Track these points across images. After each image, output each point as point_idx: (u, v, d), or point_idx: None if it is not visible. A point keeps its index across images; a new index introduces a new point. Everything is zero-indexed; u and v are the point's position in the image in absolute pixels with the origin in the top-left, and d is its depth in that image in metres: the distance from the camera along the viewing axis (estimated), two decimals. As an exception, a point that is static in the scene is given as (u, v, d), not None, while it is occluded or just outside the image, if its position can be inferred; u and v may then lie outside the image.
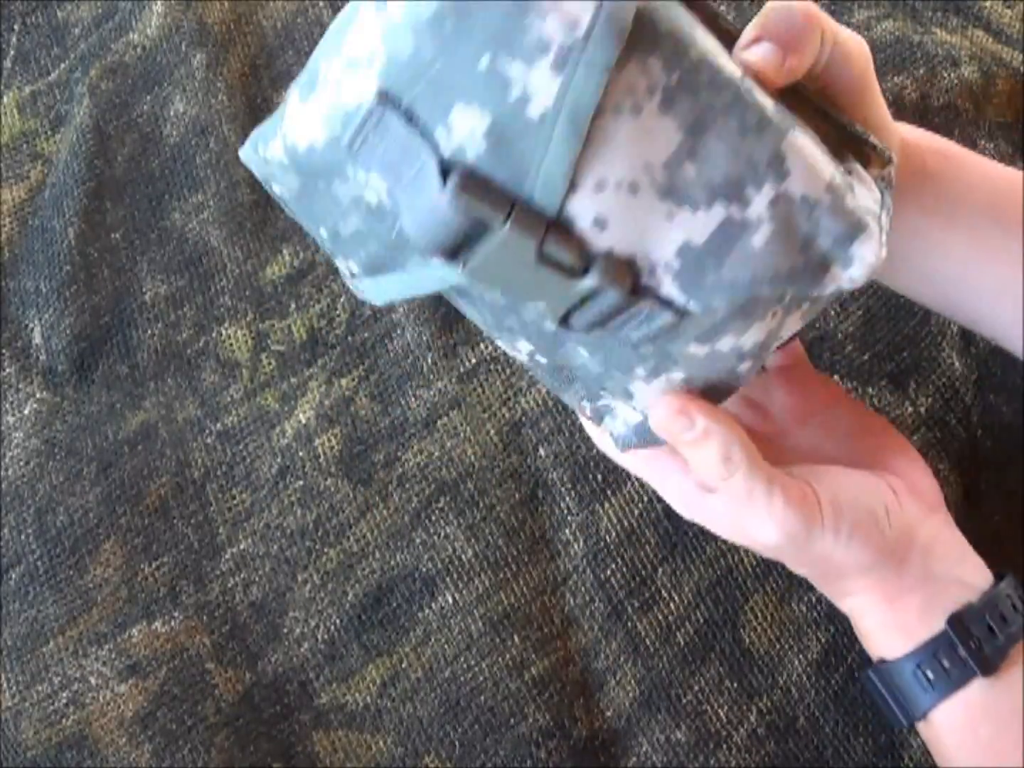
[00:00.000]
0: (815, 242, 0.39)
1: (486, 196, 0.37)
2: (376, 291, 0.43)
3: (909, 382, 0.63)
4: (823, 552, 0.46)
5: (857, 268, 0.39)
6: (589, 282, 0.38)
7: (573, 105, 0.35)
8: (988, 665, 0.47)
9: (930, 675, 0.47)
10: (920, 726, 0.49)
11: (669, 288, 0.39)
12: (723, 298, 0.39)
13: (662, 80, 0.36)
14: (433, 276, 0.40)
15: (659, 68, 0.36)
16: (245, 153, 0.43)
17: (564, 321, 0.40)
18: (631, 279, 0.38)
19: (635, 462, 0.48)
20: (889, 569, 0.47)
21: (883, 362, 0.63)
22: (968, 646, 0.47)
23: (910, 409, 0.62)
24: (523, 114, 0.36)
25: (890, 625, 0.48)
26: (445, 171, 0.37)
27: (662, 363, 0.42)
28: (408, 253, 0.40)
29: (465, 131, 0.36)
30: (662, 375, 0.42)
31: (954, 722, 0.48)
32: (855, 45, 0.43)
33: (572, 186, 0.37)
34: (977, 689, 0.47)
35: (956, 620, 0.48)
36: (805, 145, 0.38)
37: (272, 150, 0.41)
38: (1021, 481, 0.62)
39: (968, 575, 0.50)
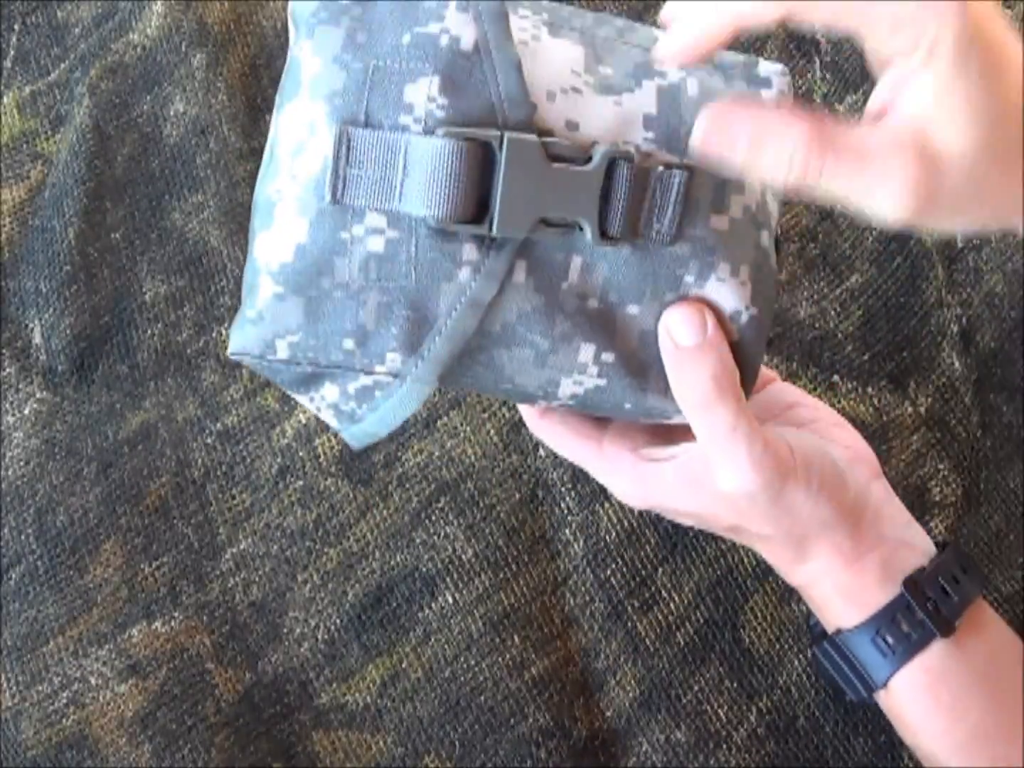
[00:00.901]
0: (732, 78, 0.45)
1: (475, 125, 0.39)
2: (409, 397, 0.43)
3: (909, 382, 0.63)
4: (792, 505, 0.46)
5: (776, 80, 0.45)
6: (599, 155, 0.40)
7: (492, 35, 0.40)
8: (946, 626, 0.48)
9: (889, 640, 0.48)
10: (880, 695, 0.50)
11: (659, 155, 0.42)
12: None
13: (538, 18, 0.43)
14: (466, 304, 0.41)
15: (530, 13, 0.43)
16: (235, 352, 0.43)
17: (604, 236, 0.41)
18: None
19: (580, 452, 0.49)
20: (848, 529, 0.48)
21: (883, 362, 0.63)
22: (925, 608, 0.48)
23: (910, 409, 0.62)
24: (459, 50, 0.40)
25: (847, 590, 0.49)
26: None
27: (702, 258, 0.43)
28: (436, 284, 0.41)
29: (423, 99, 0.39)
30: (710, 276, 0.43)
31: (915, 688, 0.48)
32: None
33: (531, 104, 0.40)
34: (936, 652, 0.48)
35: (911, 583, 0.48)
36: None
37: (259, 302, 0.41)
38: (1021, 481, 0.62)
39: (915, 539, 0.50)
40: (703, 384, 0.43)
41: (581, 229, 0.41)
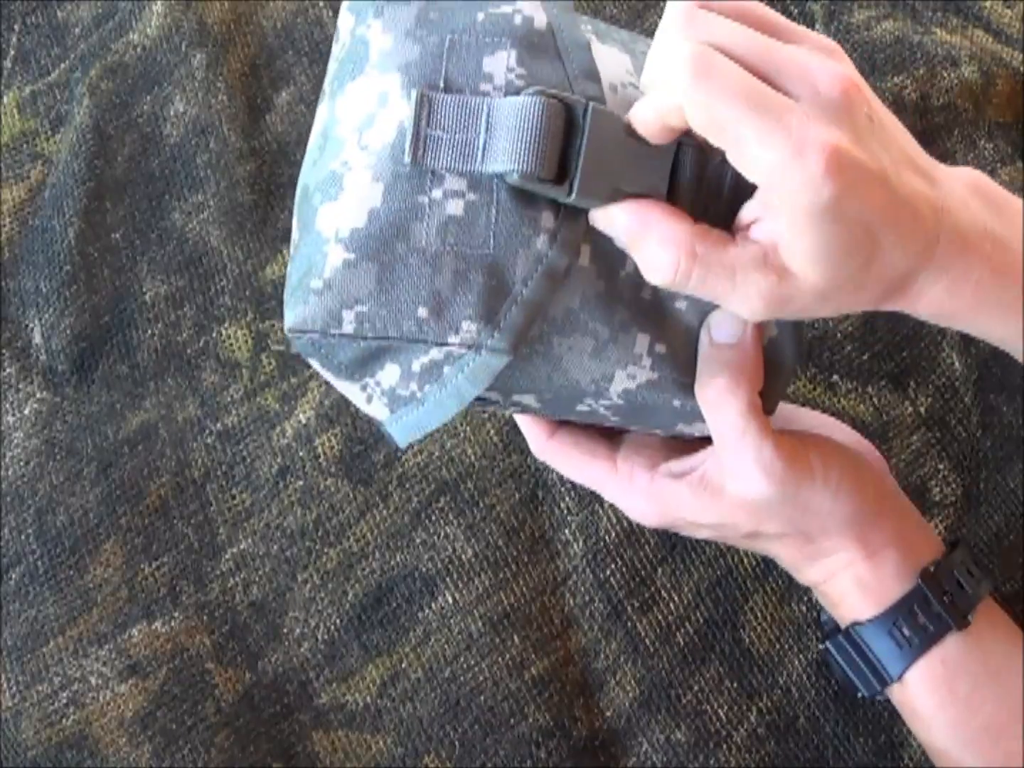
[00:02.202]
0: None
1: (558, 93, 0.40)
2: (479, 372, 0.42)
3: (909, 382, 0.63)
4: (810, 505, 0.47)
5: None
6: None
7: (562, 19, 0.42)
8: (961, 619, 0.48)
9: (906, 632, 0.48)
10: (893, 690, 0.50)
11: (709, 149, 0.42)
12: None
13: (587, 28, 0.44)
14: (540, 269, 0.41)
15: (586, 19, 0.44)
16: (295, 328, 0.41)
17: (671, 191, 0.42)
18: None
19: (593, 474, 0.49)
20: (868, 522, 0.48)
21: (883, 362, 0.63)
22: (942, 601, 0.48)
23: (910, 409, 0.62)
24: (533, 28, 0.41)
25: (866, 583, 0.49)
26: None
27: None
28: (514, 251, 0.41)
29: (502, 69, 0.40)
30: None
31: (931, 680, 0.49)
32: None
33: (600, 84, 0.41)
34: (952, 645, 0.48)
35: (928, 575, 0.49)
36: None
37: (327, 271, 0.40)
38: (1021, 481, 0.62)
39: (927, 534, 0.51)
40: (722, 382, 0.44)
41: None
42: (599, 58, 0.42)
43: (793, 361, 0.46)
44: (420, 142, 0.39)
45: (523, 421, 0.51)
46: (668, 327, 0.44)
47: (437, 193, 0.40)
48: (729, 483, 0.46)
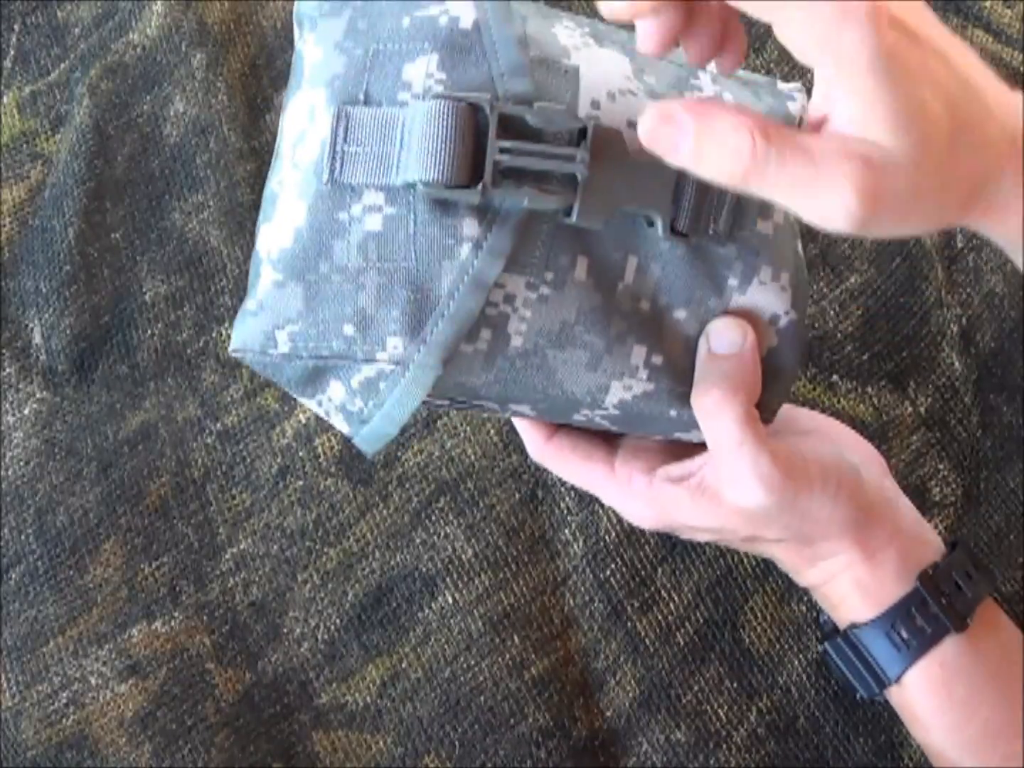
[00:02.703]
0: (759, 93, 0.45)
1: (465, 96, 0.40)
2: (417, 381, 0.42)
3: (909, 382, 0.63)
4: (808, 511, 0.46)
5: (799, 96, 0.46)
6: None
7: (493, 14, 0.41)
8: (959, 621, 0.48)
9: (904, 634, 0.48)
10: (891, 691, 0.50)
11: None
12: None
13: (583, 31, 0.43)
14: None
15: (573, 25, 0.43)
16: (237, 349, 0.42)
17: (673, 231, 0.41)
18: None
19: (591, 477, 0.49)
20: (867, 525, 0.48)
21: (883, 362, 0.63)
22: (939, 603, 0.48)
23: (910, 409, 0.62)
24: (458, 29, 0.40)
25: (865, 585, 0.49)
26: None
27: (747, 260, 0.43)
28: (436, 262, 0.40)
29: (421, 76, 0.40)
30: (752, 279, 0.43)
31: (929, 682, 0.49)
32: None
33: (595, 102, 0.40)
34: (950, 647, 0.48)
35: (926, 577, 0.49)
36: None
37: (259, 292, 0.41)
38: (1021, 481, 0.62)
39: (927, 535, 0.51)
40: (719, 393, 0.43)
41: (651, 224, 0.41)
42: (595, 66, 0.41)
43: (793, 371, 0.46)
44: (337, 159, 0.39)
45: (521, 424, 0.51)
46: (666, 338, 0.44)
47: (357, 209, 0.40)
48: (726, 491, 0.45)
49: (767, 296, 0.44)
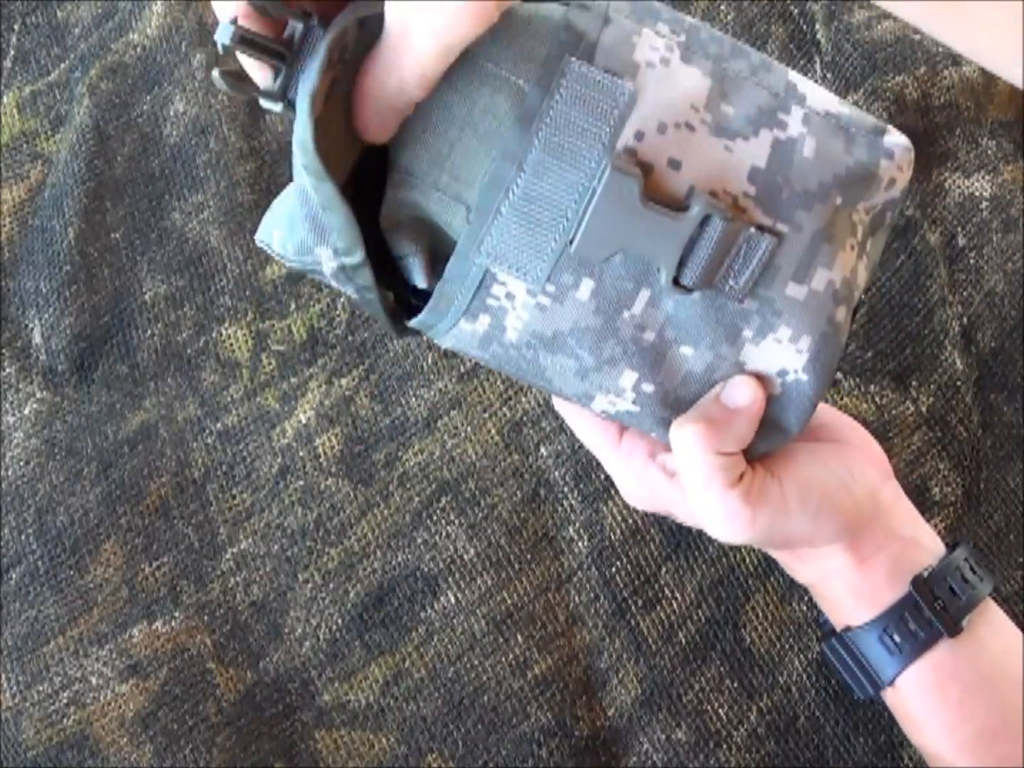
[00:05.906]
0: (854, 143, 0.42)
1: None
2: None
3: (911, 380, 0.63)
4: (789, 533, 0.47)
5: (899, 154, 0.43)
6: (696, 209, 0.39)
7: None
8: (953, 626, 0.48)
9: (897, 639, 0.48)
10: (887, 694, 0.50)
11: (754, 213, 0.41)
12: (803, 210, 0.41)
13: (675, 39, 0.41)
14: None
15: (668, 30, 0.41)
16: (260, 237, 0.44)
17: (676, 283, 0.41)
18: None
19: (597, 440, 0.49)
20: (858, 531, 0.48)
21: (885, 360, 0.63)
22: (933, 608, 0.48)
23: (911, 408, 0.63)
24: None
25: (858, 589, 0.49)
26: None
27: (767, 318, 0.42)
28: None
29: None
30: (768, 335, 0.43)
31: (923, 685, 0.49)
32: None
33: (639, 133, 0.39)
34: (944, 651, 0.48)
35: (920, 582, 0.49)
36: (801, 77, 0.44)
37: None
38: (1021, 481, 0.62)
39: (924, 538, 0.51)
40: (703, 428, 0.43)
41: (657, 271, 0.41)
42: (661, 90, 0.40)
43: (788, 428, 0.46)
44: None
45: None
46: (664, 370, 0.43)
47: None
48: (702, 524, 0.46)
49: (779, 353, 0.43)
